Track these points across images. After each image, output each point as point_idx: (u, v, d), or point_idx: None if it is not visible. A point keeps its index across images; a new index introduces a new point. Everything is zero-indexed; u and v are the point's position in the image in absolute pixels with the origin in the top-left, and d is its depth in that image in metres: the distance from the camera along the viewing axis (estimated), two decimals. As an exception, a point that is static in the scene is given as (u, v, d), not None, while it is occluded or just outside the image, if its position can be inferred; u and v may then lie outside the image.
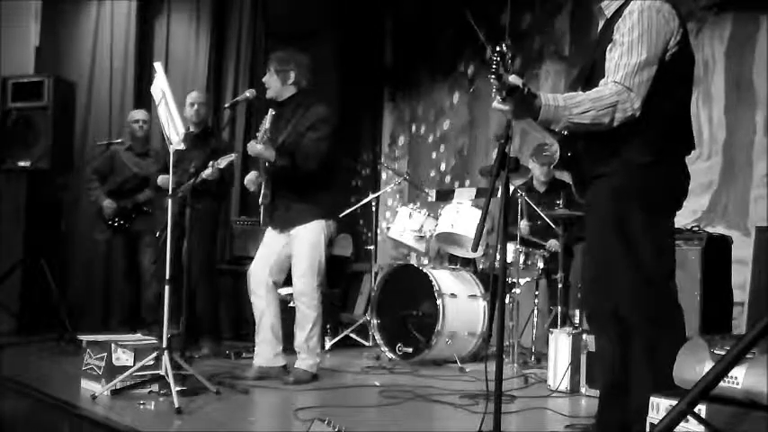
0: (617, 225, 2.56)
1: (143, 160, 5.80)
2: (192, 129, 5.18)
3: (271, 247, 4.23)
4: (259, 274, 4.21)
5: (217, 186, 5.00)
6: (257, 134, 4.14)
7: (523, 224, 5.40)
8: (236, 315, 6.06)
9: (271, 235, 4.25)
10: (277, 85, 4.22)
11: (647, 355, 2.54)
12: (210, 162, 4.53)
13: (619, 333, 2.66)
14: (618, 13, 2.59)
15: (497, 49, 2.27)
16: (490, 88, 2.37)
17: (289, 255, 4.20)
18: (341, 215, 5.81)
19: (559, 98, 2.46)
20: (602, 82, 2.53)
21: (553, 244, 5.27)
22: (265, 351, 4.22)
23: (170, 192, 3.85)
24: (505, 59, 2.28)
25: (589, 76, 2.65)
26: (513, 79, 2.33)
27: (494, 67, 2.28)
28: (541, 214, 5.17)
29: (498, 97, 2.39)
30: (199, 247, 5.02)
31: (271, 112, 4.12)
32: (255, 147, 4.05)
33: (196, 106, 5.19)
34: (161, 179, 5.04)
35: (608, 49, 2.56)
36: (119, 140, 6.01)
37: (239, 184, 6.05)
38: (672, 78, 2.53)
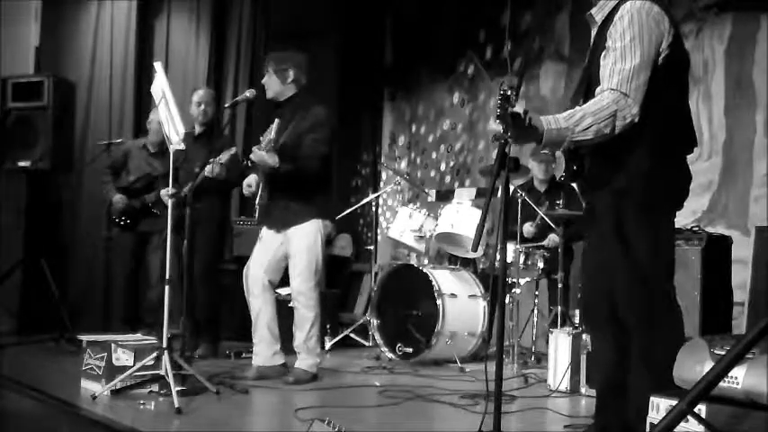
0: (616, 225, 2.57)
1: (156, 160, 5.68)
2: (196, 128, 5.12)
3: (266, 246, 4.23)
4: (255, 274, 4.21)
5: (222, 184, 4.91)
6: (261, 139, 4.08)
7: (527, 227, 5.39)
8: (237, 315, 6.04)
9: (267, 234, 4.25)
10: (276, 85, 4.22)
11: (644, 355, 2.54)
12: (211, 159, 4.51)
13: (615, 333, 2.66)
14: (609, 18, 2.58)
15: (501, 92, 2.30)
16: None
17: (284, 255, 4.20)
18: (338, 216, 5.82)
19: (560, 119, 2.45)
20: (598, 90, 2.53)
21: (552, 239, 5.27)
22: (264, 350, 4.22)
23: (170, 192, 3.84)
24: (510, 101, 2.31)
25: (588, 86, 2.64)
26: (516, 108, 2.35)
27: (499, 111, 2.30)
28: (541, 214, 5.17)
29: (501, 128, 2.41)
30: (202, 248, 4.97)
31: (277, 121, 4.07)
32: (260, 154, 4.00)
33: (203, 106, 5.08)
34: (163, 193, 5.00)
35: (602, 56, 2.56)
36: (119, 140, 6.00)
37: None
38: (667, 80, 2.53)
